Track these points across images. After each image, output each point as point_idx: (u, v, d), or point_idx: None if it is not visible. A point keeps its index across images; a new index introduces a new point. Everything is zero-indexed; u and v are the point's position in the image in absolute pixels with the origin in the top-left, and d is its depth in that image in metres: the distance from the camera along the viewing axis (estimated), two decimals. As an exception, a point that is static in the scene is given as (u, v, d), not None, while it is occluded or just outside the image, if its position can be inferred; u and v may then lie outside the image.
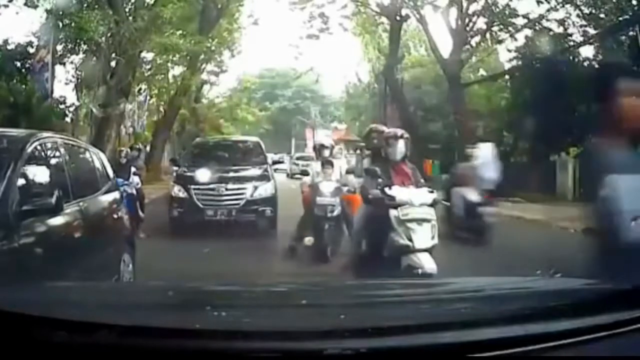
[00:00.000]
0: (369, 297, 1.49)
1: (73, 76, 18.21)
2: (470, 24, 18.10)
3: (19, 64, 15.27)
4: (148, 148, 21.79)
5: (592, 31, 16.00)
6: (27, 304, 1.16)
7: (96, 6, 15.08)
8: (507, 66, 19.38)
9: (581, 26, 16.30)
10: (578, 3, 16.02)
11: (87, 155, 4.39)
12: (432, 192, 4.60)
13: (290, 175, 21.55)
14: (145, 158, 19.21)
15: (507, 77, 19.34)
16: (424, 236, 4.27)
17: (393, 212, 4.30)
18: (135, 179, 8.16)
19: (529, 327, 1.09)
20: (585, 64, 16.20)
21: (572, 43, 16.44)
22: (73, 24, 14.28)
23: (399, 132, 4.94)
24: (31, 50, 15.56)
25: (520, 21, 17.15)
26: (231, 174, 8.87)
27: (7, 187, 2.74)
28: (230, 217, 8.32)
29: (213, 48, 19.48)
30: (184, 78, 20.01)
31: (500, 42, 18.58)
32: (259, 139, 11.30)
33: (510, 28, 17.49)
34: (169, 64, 20.52)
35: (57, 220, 3.13)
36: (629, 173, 2.20)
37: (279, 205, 8.62)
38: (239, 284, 1.81)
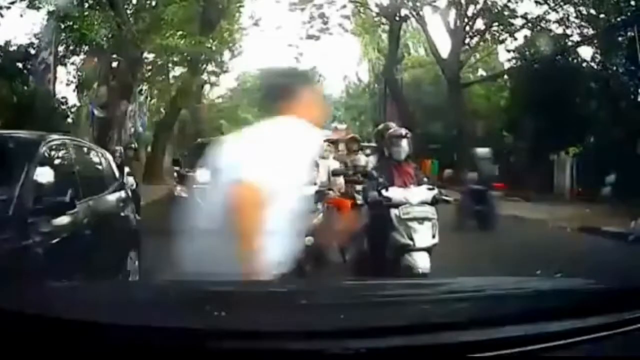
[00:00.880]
0: (369, 297, 1.49)
1: (74, 77, 18.29)
2: (469, 25, 18.13)
3: (20, 65, 15.40)
4: (149, 148, 21.90)
5: (590, 31, 16.03)
6: (27, 304, 1.16)
7: (97, 7, 15.15)
8: (506, 66, 19.44)
9: (580, 27, 16.36)
10: (576, 2, 16.04)
11: (95, 155, 4.54)
12: (432, 189, 4.55)
13: None
14: (141, 158, 19.28)
15: (506, 77, 19.37)
16: (424, 235, 4.26)
17: (394, 211, 4.31)
18: (130, 180, 7.97)
19: (529, 327, 1.09)
20: (584, 64, 16.25)
21: (570, 43, 16.47)
22: (75, 27, 14.37)
23: (403, 131, 4.87)
24: (32, 52, 15.65)
25: (519, 22, 17.23)
26: None
27: (24, 186, 2.86)
28: None
29: (214, 49, 19.51)
30: (184, 79, 20.04)
31: (499, 42, 18.64)
32: None
33: (509, 28, 17.54)
34: (170, 65, 20.58)
35: (69, 218, 3.24)
36: None
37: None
38: (238, 284, 1.81)
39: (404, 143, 4.66)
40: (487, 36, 18.56)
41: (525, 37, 17.54)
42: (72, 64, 17.99)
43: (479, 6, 17.60)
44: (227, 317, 1.17)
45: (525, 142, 16.60)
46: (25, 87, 14.29)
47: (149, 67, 19.93)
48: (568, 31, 16.55)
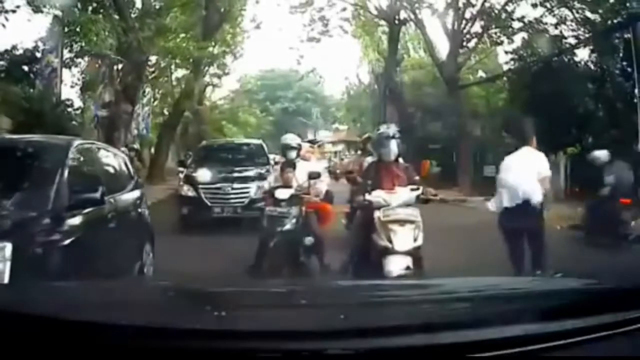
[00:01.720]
0: (369, 297, 1.49)
1: (78, 79, 18.36)
2: (467, 27, 18.23)
3: (26, 68, 15.52)
4: (153, 150, 21.99)
5: (587, 34, 16.11)
6: (28, 304, 1.17)
7: (101, 11, 15.23)
8: (505, 68, 19.51)
9: (576, 29, 16.44)
10: (573, 5, 16.12)
11: (114, 157, 4.93)
12: (416, 189, 4.43)
13: None
14: (144, 159, 19.30)
15: (504, 78, 19.41)
16: (404, 238, 4.15)
17: (376, 214, 4.27)
18: None
19: (528, 327, 1.09)
20: (581, 65, 16.27)
21: (567, 45, 16.53)
22: (81, 34, 14.57)
23: (391, 131, 4.73)
24: (38, 55, 15.75)
25: (516, 24, 17.35)
26: (236, 174, 9.45)
27: (59, 185, 3.25)
28: (236, 214, 8.92)
29: (216, 52, 19.58)
30: (187, 81, 20.10)
31: (497, 44, 18.73)
32: (261, 141, 11.90)
33: (506, 31, 17.65)
34: (172, 67, 20.65)
35: (98, 213, 3.63)
36: None
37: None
38: (238, 284, 1.81)
39: (392, 144, 4.55)
40: (486, 38, 18.61)
41: (523, 39, 17.69)
42: (76, 66, 18.11)
43: (476, 9, 17.65)
44: (227, 318, 1.17)
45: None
46: (32, 90, 14.43)
47: (152, 70, 19.97)
48: (565, 33, 16.66)
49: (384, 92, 22.29)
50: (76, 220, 3.31)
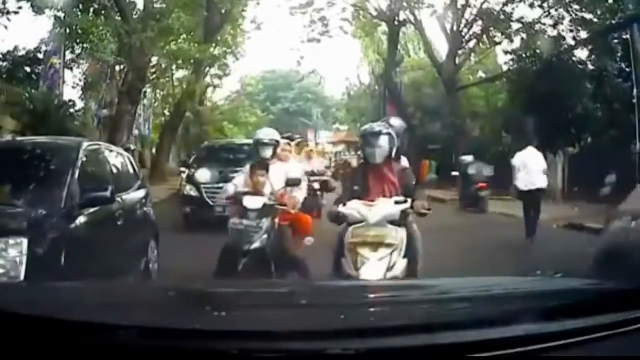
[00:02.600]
0: (368, 297, 1.49)
1: (80, 80, 18.41)
2: (466, 28, 18.28)
3: (29, 70, 15.59)
4: (154, 150, 22.05)
5: (584, 34, 16.20)
6: (28, 305, 1.17)
7: (102, 11, 15.27)
8: (504, 68, 19.53)
9: (574, 30, 16.51)
10: (570, 7, 16.19)
11: (121, 157, 5.09)
12: (402, 202, 3.52)
13: None
14: (145, 160, 19.31)
15: (503, 78, 19.44)
16: (375, 266, 3.27)
17: (348, 231, 3.46)
18: None
19: (529, 327, 1.09)
20: (579, 65, 16.31)
21: (565, 46, 16.57)
22: (82, 35, 14.64)
23: (377, 127, 3.83)
24: (40, 56, 15.81)
25: (515, 25, 17.45)
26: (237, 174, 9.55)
27: (71, 183, 3.42)
28: None
29: (217, 53, 19.61)
30: (188, 82, 20.13)
31: (496, 44, 18.80)
32: None
33: (505, 32, 17.72)
34: (174, 68, 20.68)
35: (107, 210, 3.81)
36: None
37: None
38: (239, 284, 1.81)
39: (381, 142, 3.68)
40: (484, 39, 18.67)
41: (522, 39, 17.71)
42: (78, 67, 18.17)
43: (475, 10, 17.72)
44: (227, 317, 1.17)
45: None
46: (34, 91, 14.51)
47: (153, 70, 20.00)
48: (563, 34, 16.73)
49: (384, 92, 22.33)
50: (87, 218, 3.49)
